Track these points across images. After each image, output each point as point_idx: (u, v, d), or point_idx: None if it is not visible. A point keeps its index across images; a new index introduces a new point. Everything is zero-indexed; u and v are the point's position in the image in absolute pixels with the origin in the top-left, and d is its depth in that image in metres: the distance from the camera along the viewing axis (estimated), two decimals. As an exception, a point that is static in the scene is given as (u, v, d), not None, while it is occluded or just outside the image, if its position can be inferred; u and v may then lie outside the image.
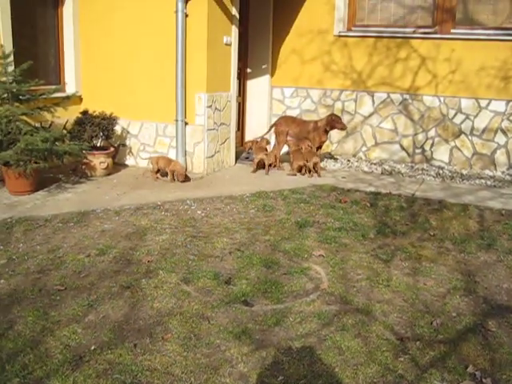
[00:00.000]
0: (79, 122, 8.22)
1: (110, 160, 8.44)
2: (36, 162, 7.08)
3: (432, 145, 9.93)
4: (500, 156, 9.55)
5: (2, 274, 5.00)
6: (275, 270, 5.27)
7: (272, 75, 10.84)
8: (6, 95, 7.15)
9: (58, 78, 9.16)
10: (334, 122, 9.05)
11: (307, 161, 8.87)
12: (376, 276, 5.24)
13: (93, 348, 3.86)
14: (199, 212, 6.92)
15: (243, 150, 10.06)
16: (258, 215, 6.89)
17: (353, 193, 8.03)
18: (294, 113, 10.67)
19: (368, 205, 7.42)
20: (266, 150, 9.39)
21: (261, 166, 9.26)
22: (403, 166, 9.80)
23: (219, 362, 3.77)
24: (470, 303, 4.79)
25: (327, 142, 9.88)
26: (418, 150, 10.01)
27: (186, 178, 8.32)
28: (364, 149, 10.38)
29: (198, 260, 5.44)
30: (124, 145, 9.18)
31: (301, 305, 4.61)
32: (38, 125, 7.81)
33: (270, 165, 9.22)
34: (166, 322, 4.24)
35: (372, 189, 8.26)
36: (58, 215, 6.56)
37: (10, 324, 4.14)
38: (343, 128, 9.13)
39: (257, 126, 10.82)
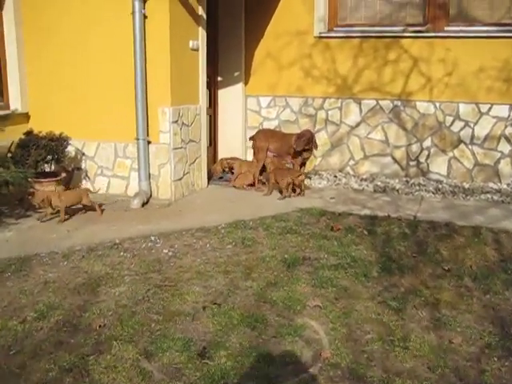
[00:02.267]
0: (23, 145, 7.01)
1: (60, 188, 7.24)
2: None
3: (428, 156, 8.91)
4: (504, 166, 8.57)
5: None
6: (262, 332, 4.17)
7: (246, 83, 9.72)
8: None
9: (-1, 93, 7.92)
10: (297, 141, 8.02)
11: (291, 179, 7.78)
12: (389, 334, 4.18)
13: None
14: (165, 251, 5.77)
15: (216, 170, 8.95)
16: (237, 252, 5.77)
17: (345, 217, 6.94)
18: (271, 125, 9.57)
19: (365, 232, 6.35)
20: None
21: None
22: (397, 181, 8.75)
23: None
24: (513, 369, 3.72)
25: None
26: (412, 163, 8.98)
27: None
28: (352, 162, 9.30)
29: (163, 321, 4.31)
30: (79, 168, 8.00)
31: (300, 388, 3.50)
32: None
33: (251, 184, 8.29)
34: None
35: (367, 211, 7.18)
36: (-8, 263, 5.36)
37: None
38: (299, 148, 8.05)
39: (231, 141, 9.69)
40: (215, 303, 4.61)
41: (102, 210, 6.96)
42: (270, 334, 4.14)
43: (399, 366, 3.75)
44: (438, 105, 8.73)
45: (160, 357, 3.80)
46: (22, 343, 3.97)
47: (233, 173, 8.80)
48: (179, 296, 4.72)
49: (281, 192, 7.88)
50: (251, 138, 8.66)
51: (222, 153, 9.70)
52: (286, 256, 5.61)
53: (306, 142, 7.95)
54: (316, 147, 8.19)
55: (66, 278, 5.07)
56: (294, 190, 7.91)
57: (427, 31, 8.61)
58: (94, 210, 6.93)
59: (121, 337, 4.04)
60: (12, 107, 7.91)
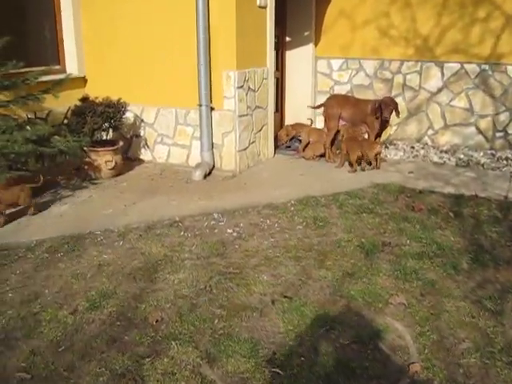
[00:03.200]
0: (78, 112, 6.60)
1: (118, 157, 6.82)
2: (18, 169, 5.48)
3: (517, 127, 8.02)
4: None
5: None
6: (339, 335, 3.65)
7: (316, 44, 8.99)
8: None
9: (55, 57, 7.50)
10: (380, 108, 7.27)
11: (366, 151, 7.11)
12: (488, 343, 3.58)
13: None
14: (229, 231, 5.28)
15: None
16: (308, 234, 5.22)
17: (427, 195, 6.26)
18: (343, 89, 8.85)
19: (451, 214, 5.68)
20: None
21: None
22: (481, 154, 7.92)
23: None
24: None
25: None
26: (499, 134, 8.10)
27: None
28: (430, 132, 8.50)
29: (227, 317, 3.85)
30: (138, 136, 7.57)
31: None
32: (32, 116, 6.27)
33: (321, 155, 7.89)
34: None
35: (451, 189, 6.47)
36: (45, 241, 5.02)
37: None
38: (386, 118, 7.30)
39: (299, 107, 9.02)
40: (285, 296, 4.12)
41: (35, 213, 5.68)
42: (349, 337, 3.61)
43: (504, 387, 3.17)
44: (532, 69, 7.79)
45: (224, 363, 3.34)
46: (72, 338, 3.59)
47: (300, 141, 8.19)
48: (245, 286, 4.24)
49: (351, 165, 7.23)
50: (321, 105, 7.97)
51: (289, 119, 9.08)
52: (363, 240, 5.03)
53: (391, 111, 7.21)
54: (398, 115, 7.44)
55: (122, 260, 4.66)
56: (369, 163, 7.25)
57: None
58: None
59: (180, 335, 3.60)
60: (68, 71, 7.49)
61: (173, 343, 3.50)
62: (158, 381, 3.17)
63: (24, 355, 3.40)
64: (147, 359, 3.35)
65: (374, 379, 3.21)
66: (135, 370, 3.25)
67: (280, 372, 3.25)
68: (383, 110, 7.17)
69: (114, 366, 3.29)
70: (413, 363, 3.34)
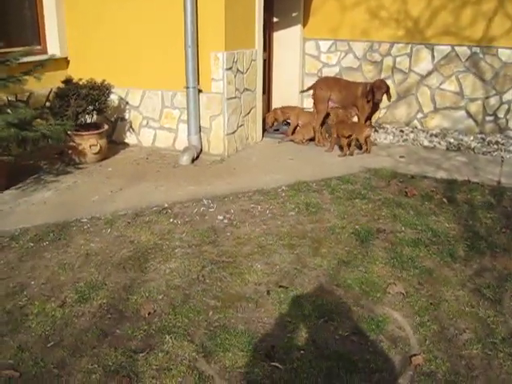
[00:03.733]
0: (61, 95, 6.36)
1: (103, 141, 6.63)
2: (1, 153, 5.27)
3: (508, 111, 7.97)
4: None
5: None
6: (339, 326, 3.55)
7: (304, 25, 8.80)
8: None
9: (36, 37, 7.24)
10: (372, 91, 7.12)
11: (356, 135, 6.98)
12: (489, 333, 3.52)
13: None
14: (220, 217, 5.14)
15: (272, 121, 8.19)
16: (301, 220, 5.10)
17: (419, 180, 6.18)
18: (332, 71, 8.70)
19: (444, 200, 5.60)
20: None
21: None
22: (471, 138, 7.86)
23: None
24: None
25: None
26: (489, 118, 8.04)
27: None
28: (420, 116, 8.41)
29: (222, 308, 3.72)
30: (123, 119, 7.37)
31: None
32: (13, 98, 6.04)
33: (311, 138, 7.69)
34: None
35: (443, 174, 6.39)
36: (29, 229, 4.83)
37: None
38: (378, 100, 7.16)
39: (286, 89, 8.86)
40: (281, 286, 4.01)
41: None
42: (349, 328, 3.52)
43: (506, 379, 3.08)
44: (523, 52, 7.70)
45: (221, 357, 3.22)
46: (62, 333, 3.43)
47: (289, 124, 8.04)
48: (239, 275, 4.12)
49: (341, 148, 7.12)
50: (311, 88, 7.80)
51: (276, 102, 8.91)
52: (357, 227, 4.93)
53: (383, 94, 7.07)
54: (390, 99, 7.31)
55: (110, 249, 4.50)
56: (359, 147, 7.14)
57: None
58: None
59: (174, 328, 3.47)
60: (50, 52, 7.25)
61: (167, 337, 3.37)
62: (153, 377, 3.04)
63: (11, 351, 3.24)
64: (141, 354, 3.22)
65: (376, 372, 3.12)
66: (129, 366, 3.12)
67: (279, 366, 3.14)
68: (375, 92, 7.03)
69: (107, 361, 3.16)
70: (414, 355, 3.26)
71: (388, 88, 7.16)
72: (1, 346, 3.30)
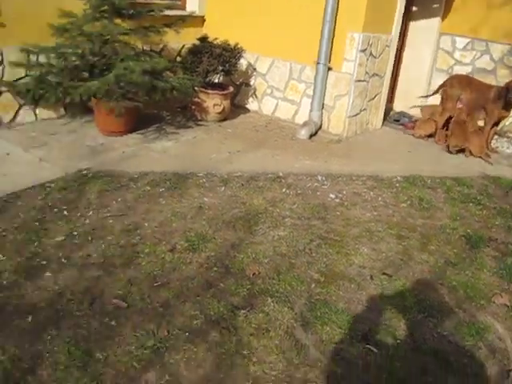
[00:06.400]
0: (195, 51, 6.49)
1: (226, 102, 6.71)
2: (131, 98, 5.45)
3: None
4: None
5: (51, 261, 3.54)
6: (438, 324, 3.44)
7: (443, 18, 8.44)
8: (104, 7, 5.46)
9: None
10: (507, 91, 6.69)
11: (467, 142, 6.75)
12: None
13: None
14: (332, 196, 5.10)
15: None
16: (412, 214, 4.96)
17: (542, 195, 5.84)
18: (463, 70, 8.31)
19: None
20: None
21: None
22: None
23: None
24: None
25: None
26: None
27: None
28: (553, 128, 7.91)
29: (324, 283, 3.70)
30: (248, 84, 7.42)
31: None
32: (147, 48, 6.22)
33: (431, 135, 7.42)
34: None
35: None
36: (148, 174, 5.00)
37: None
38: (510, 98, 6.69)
39: (413, 80, 8.58)
40: (385, 273, 3.92)
41: None
42: (448, 328, 3.40)
43: None
44: None
45: (318, 329, 3.21)
46: (169, 276, 3.54)
47: (409, 117, 7.83)
48: (345, 255, 4.07)
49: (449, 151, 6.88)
50: (441, 86, 7.47)
51: (401, 92, 8.68)
52: (468, 231, 4.73)
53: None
54: None
55: (223, 206, 4.57)
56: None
57: None
58: None
59: (276, 293, 3.49)
60: (188, 9, 7.38)
61: (269, 299, 3.40)
62: (251, 334, 3.08)
63: (121, 283, 3.39)
64: (242, 311, 3.26)
65: (471, 377, 3.00)
66: (229, 320, 3.17)
67: (374, 350, 3.09)
68: (510, 91, 6.64)
69: (209, 311, 3.22)
70: (515, 371, 3.11)
71: None
72: (113, 276, 3.45)
